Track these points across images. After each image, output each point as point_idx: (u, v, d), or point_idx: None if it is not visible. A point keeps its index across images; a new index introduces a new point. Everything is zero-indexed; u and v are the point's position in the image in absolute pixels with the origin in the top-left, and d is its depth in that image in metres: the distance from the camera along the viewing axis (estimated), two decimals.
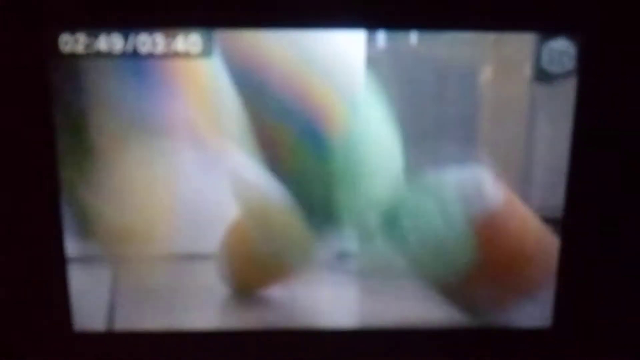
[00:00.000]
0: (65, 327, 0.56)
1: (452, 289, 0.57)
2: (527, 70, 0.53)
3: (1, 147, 0.52)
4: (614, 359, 0.61)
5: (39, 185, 0.53)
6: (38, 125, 0.52)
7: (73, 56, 0.51)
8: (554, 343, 0.59)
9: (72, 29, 0.50)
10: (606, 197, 0.55)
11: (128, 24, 0.50)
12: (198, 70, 0.51)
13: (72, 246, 0.55)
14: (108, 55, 0.51)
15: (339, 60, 0.52)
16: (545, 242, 0.56)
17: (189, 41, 0.51)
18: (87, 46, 0.50)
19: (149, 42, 0.50)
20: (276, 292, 0.58)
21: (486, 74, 0.53)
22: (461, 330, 0.59)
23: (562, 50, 0.52)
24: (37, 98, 0.51)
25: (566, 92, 0.52)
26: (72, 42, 0.50)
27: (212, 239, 0.55)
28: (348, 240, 0.56)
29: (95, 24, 0.50)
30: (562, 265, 0.56)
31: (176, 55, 0.51)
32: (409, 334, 0.59)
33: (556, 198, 0.55)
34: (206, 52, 0.51)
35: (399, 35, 0.52)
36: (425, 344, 0.59)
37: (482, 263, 0.56)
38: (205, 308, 0.58)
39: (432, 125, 0.54)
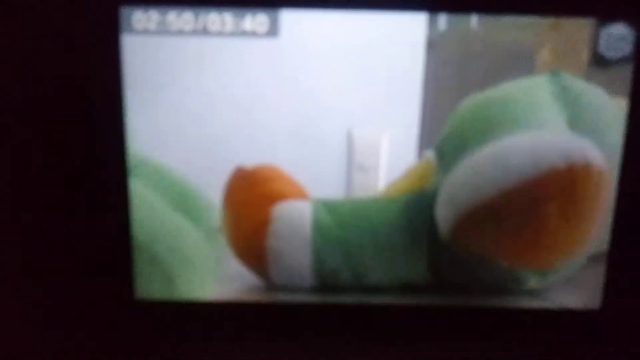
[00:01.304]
0: (126, 294, 0.58)
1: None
2: (585, 54, 0.54)
3: (73, 120, 0.55)
4: None
5: (109, 162, 0.55)
6: (110, 98, 0.53)
7: (145, 33, 0.52)
8: (603, 324, 0.60)
9: (145, 6, 0.52)
10: None
11: (198, 2, 0.52)
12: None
13: None
14: (179, 33, 0.52)
15: (400, 41, 0.54)
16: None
17: (256, 21, 0.52)
18: (159, 23, 0.52)
19: (218, 21, 0.52)
20: None
21: (544, 57, 0.54)
22: (507, 310, 0.60)
23: (619, 36, 0.53)
24: (110, 72, 0.53)
25: (623, 77, 0.53)
26: (145, 20, 0.52)
27: None
28: None
29: (167, 1, 0.52)
30: (612, 248, 0.57)
31: (244, 34, 0.53)
32: (458, 312, 0.60)
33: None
34: (272, 32, 0.53)
35: (460, 18, 0.53)
36: (478, 322, 0.60)
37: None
38: None
39: None
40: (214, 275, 0.61)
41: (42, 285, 0.59)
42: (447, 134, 0.57)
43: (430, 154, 0.58)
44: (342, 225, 0.59)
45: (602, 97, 0.55)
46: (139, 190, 0.56)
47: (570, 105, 0.56)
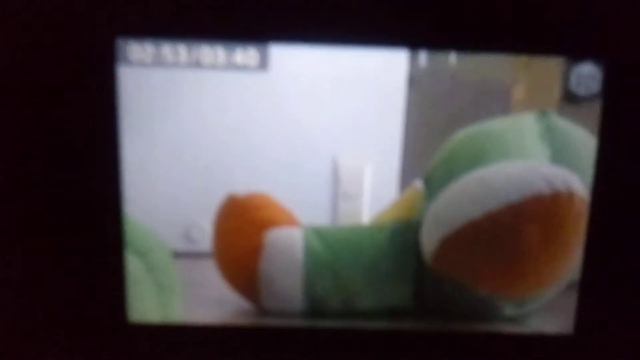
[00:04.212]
0: (121, 317, 0.59)
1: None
2: (556, 91, 0.57)
3: (69, 148, 0.56)
4: None
5: (103, 183, 0.57)
6: (105, 127, 0.56)
7: (140, 64, 0.55)
8: (577, 349, 0.62)
9: (141, 38, 0.54)
10: (630, 207, 0.59)
11: (191, 36, 0.55)
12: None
13: None
14: (173, 65, 0.55)
15: (383, 77, 0.57)
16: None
17: (247, 55, 0.55)
18: (154, 55, 0.55)
19: (211, 54, 0.55)
20: None
21: (519, 93, 0.58)
22: (485, 335, 0.62)
23: (589, 74, 0.56)
24: (105, 102, 0.55)
25: (592, 113, 0.56)
26: (140, 52, 0.55)
27: None
28: None
29: (162, 35, 0.54)
30: (585, 272, 0.59)
31: (235, 67, 0.55)
32: (440, 337, 0.62)
33: None
34: (262, 66, 0.56)
35: (439, 56, 0.56)
36: (457, 346, 0.62)
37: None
38: None
39: None
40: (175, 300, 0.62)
41: (38, 305, 0.60)
42: (436, 164, 0.60)
43: (417, 184, 0.61)
44: (332, 251, 0.61)
45: (585, 137, 0.58)
46: None
47: (554, 144, 0.59)
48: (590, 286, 0.61)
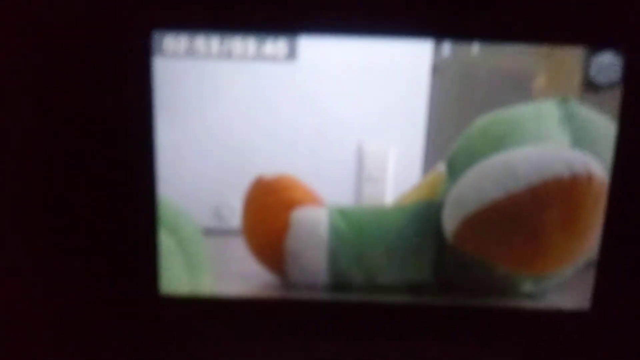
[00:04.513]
0: (152, 290, 0.63)
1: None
2: (577, 80, 0.58)
3: (103, 138, 0.60)
4: None
5: (140, 170, 0.60)
6: (141, 114, 0.59)
7: (175, 56, 0.58)
8: (593, 325, 0.65)
9: (175, 31, 0.57)
10: None
11: (223, 28, 0.57)
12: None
13: None
14: (206, 57, 0.57)
15: (408, 66, 0.59)
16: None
17: (276, 46, 0.57)
18: (188, 47, 0.57)
19: (242, 46, 0.57)
20: None
21: (540, 82, 0.59)
22: (503, 310, 0.65)
23: (609, 63, 0.57)
24: (142, 90, 0.58)
25: (612, 101, 0.58)
26: (175, 44, 0.57)
27: None
28: None
29: (195, 27, 0.57)
30: (603, 251, 0.61)
31: (265, 58, 0.58)
32: (458, 312, 0.65)
33: None
34: (291, 56, 0.58)
35: (462, 46, 0.58)
36: (475, 321, 0.65)
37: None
38: None
39: None
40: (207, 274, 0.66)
41: (65, 283, 0.64)
42: (458, 148, 0.62)
43: (440, 167, 0.63)
44: (356, 230, 0.64)
45: (605, 124, 0.59)
46: None
47: (575, 130, 0.60)
48: (607, 265, 0.62)
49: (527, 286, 0.65)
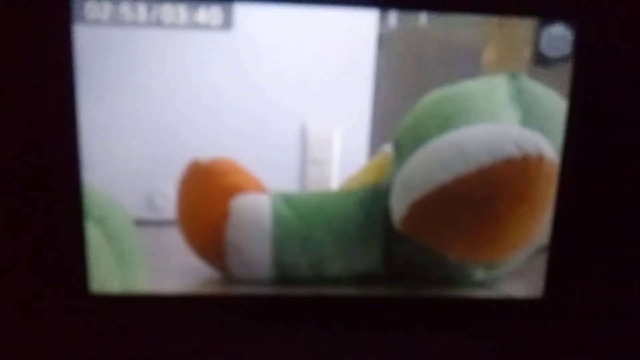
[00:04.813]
0: (82, 288, 0.58)
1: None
2: (527, 53, 0.56)
3: (19, 117, 0.54)
4: (604, 328, 0.65)
5: (61, 153, 0.55)
6: (61, 86, 0.53)
7: (97, 23, 0.52)
8: (546, 312, 0.63)
9: None
10: (600, 169, 0.59)
11: None
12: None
13: None
14: (132, 24, 0.52)
15: (351, 37, 0.55)
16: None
17: (210, 13, 0.53)
18: (112, 14, 0.52)
19: (172, 13, 0.53)
20: None
21: (489, 55, 0.57)
22: (455, 300, 0.62)
23: (559, 36, 0.55)
24: (62, 62, 0.52)
25: (563, 75, 0.56)
26: (98, 10, 0.52)
27: None
28: None
29: None
30: (554, 236, 0.60)
31: (198, 26, 0.53)
32: (410, 303, 0.62)
33: None
34: (226, 25, 0.53)
35: (409, 16, 0.55)
36: (427, 312, 0.62)
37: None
38: None
39: None
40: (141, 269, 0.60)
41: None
42: (406, 127, 0.59)
43: (387, 149, 0.59)
44: (300, 217, 0.60)
45: (555, 100, 0.57)
46: None
47: (524, 106, 0.58)
48: (559, 250, 0.61)
49: (479, 274, 0.62)
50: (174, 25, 0.53)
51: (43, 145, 0.55)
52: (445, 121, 0.57)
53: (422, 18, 0.55)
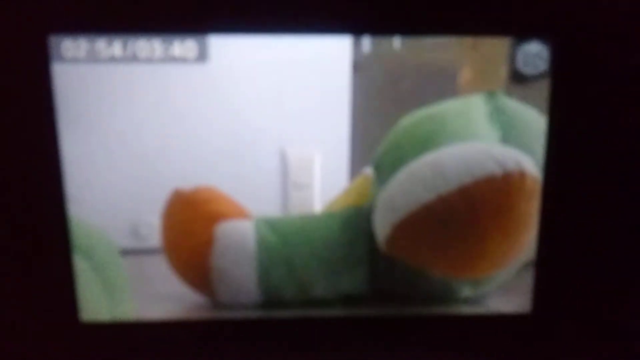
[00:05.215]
0: (72, 317, 0.58)
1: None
2: (503, 71, 0.56)
3: (6, 150, 0.55)
4: (593, 343, 0.64)
5: (44, 184, 0.55)
6: (42, 126, 0.54)
7: (75, 61, 0.53)
8: (535, 328, 0.62)
9: (74, 35, 0.52)
10: (582, 185, 0.59)
11: (126, 30, 0.53)
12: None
13: None
14: (109, 60, 0.53)
15: (326, 63, 0.56)
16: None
17: (185, 47, 0.54)
18: (88, 51, 0.53)
19: (147, 48, 0.53)
20: None
21: (466, 75, 0.57)
22: (442, 318, 0.62)
23: (535, 53, 0.55)
24: (43, 100, 0.53)
25: (541, 93, 0.56)
26: (74, 48, 0.53)
27: None
28: None
29: (95, 30, 0.53)
30: (540, 251, 0.59)
31: (173, 59, 0.54)
32: (397, 322, 0.62)
33: None
34: (202, 57, 0.54)
35: (383, 41, 0.55)
36: (415, 330, 0.62)
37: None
38: None
39: None
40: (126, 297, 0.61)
41: None
42: (385, 150, 0.59)
43: (368, 171, 0.60)
44: (285, 242, 0.61)
45: (534, 117, 0.57)
46: None
47: (504, 125, 0.58)
48: (546, 265, 0.61)
49: (466, 291, 0.62)
50: (149, 60, 0.53)
51: (29, 183, 0.55)
52: (424, 142, 0.57)
53: (396, 42, 0.55)
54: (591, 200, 0.60)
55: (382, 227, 0.59)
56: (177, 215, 0.59)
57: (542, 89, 0.56)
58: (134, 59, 0.53)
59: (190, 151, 0.57)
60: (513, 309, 0.62)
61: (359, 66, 0.56)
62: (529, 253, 0.60)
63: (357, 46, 0.55)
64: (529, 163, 0.56)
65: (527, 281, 0.61)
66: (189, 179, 0.58)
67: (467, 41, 0.55)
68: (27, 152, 0.55)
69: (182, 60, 0.54)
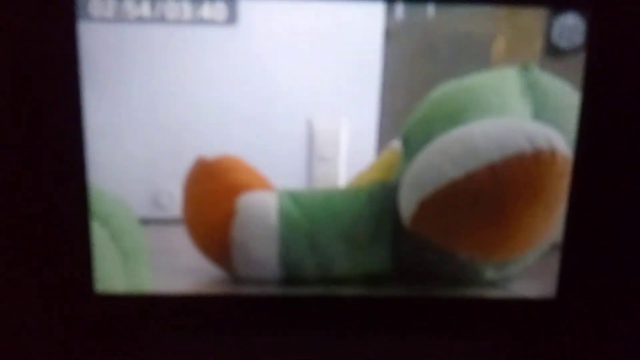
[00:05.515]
0: (87, 288, 0.57)
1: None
2: (538, 44, 0.55)
3: (25, 116, 0.54)
4: (616, 329, 0.62)
5: (66, 152, 0.54)
6: (66, 88, 0.53)
7: (102, 20, 0.52)
8: (559, 313, 0.61)
9: None
10: (615, 169, 0.57)
11: None
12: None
13: None
14: (137, 21, 0.52)
15: (358, 31, 0.54)
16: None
17: (214, 8, 0.52)
18: (116, 10, 0.52)
19: (176, 8, 0.52)
20: None
21: (499, 47, 0.55)
22: (466, 300, 0.60)
23: (571, 26, 0.54)
24: (68, 60, 0.52)
25: (575, 67, 0.54)
26: (102, 7, 0.52)
27: None
28: None
29: None
30: (567, 234, 0.58)
31: (202, 21, 0.53)
32: (419, 303, 0.60)
33: None
34: (231, 20, 0.53)
35: (417, 8, 0.54)
36: (438, 312, 0.61)
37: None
38: None
39: None
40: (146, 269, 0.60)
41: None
42: (414, 122, 0.57)
43: (396, 144, 0.58)
44: (308, 216, 0.59)
45: (568, 92, 0.56)
46: None
47: (537, 99, 0.57)
48: (572, 249, 0.59)
49: (490, 273, 0.60)
50: (178, 21, 0.52)
51: (48, 145, 0.54)
52: (454, 116, 0.56)
53: (430, 10, 0.54)
54: (623, 182, 0.58)
55: (407, 203, 0.57)
56: (199, 184, 0.58)
57: (577, 63, 0.54)
58: (162, 19, 0.52)
59: (215, 118, 0.56)
60: (537, 294, 0.60)
61: (391, 34, 0.54)
62: (556, 235, 0.59)
63: (390, 13, 0.53)
64: (561, 141, 0.55)
65: (553, 265, 0.60)
66: (213, 148, 0.56)
67: (502, 11, 0.54)
68: (50, 114, 0.54)
69: (211, 22, 0.53)
